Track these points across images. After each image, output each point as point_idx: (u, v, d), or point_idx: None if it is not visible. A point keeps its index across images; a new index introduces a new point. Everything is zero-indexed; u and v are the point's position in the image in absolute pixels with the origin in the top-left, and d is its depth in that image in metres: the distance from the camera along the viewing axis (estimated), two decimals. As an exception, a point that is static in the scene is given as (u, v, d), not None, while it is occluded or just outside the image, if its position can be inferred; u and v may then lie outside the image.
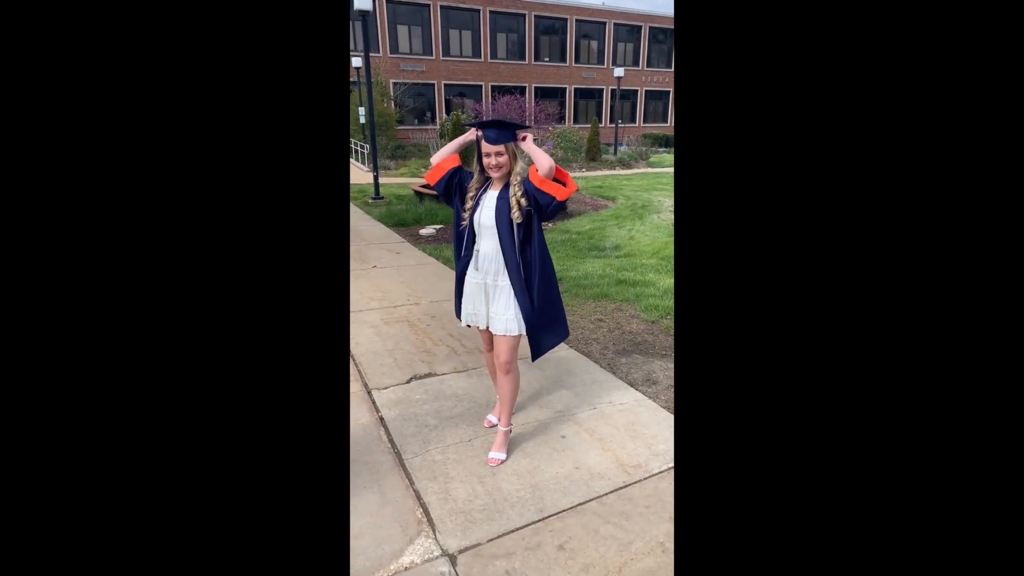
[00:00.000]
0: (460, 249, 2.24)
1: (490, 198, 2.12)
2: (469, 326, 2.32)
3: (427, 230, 6.97)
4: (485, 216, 2.11)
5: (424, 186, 9.27)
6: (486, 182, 2.16)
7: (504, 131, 2.03)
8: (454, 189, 2.20)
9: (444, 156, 2.21)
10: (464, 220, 2.17)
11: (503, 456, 2.25)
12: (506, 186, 2.10)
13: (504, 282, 2.15)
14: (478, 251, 2.17)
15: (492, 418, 2.52)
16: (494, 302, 2.19)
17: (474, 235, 2.18)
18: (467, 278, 2.24)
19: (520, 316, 2.15)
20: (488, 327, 2.24)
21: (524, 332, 2.18)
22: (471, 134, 2.14)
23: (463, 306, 2.29)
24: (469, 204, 2.16)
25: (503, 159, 2.04)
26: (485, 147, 2.04)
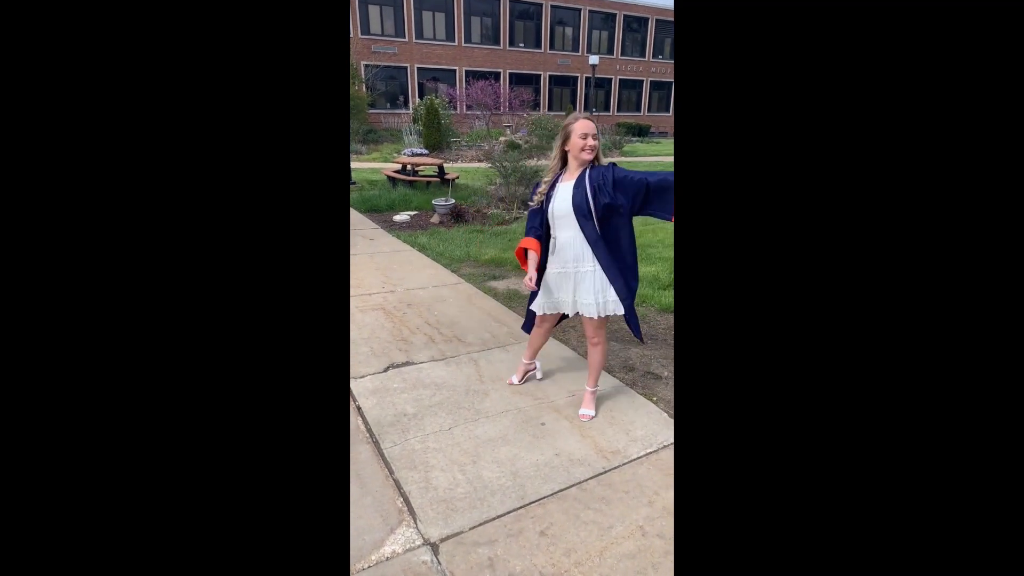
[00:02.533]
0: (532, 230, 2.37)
1: (565, 188, 2.21)
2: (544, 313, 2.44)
3: (401, 216, 6.87)
4: (559, 206, 2.21)
5: (397, 171, 9.12)
6: (560, 173, 2.27)
7: None
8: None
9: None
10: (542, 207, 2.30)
11: (592, 412, 2.46)
12: (581, 175, 2.19)
13: (587, 268, 2.24)
14: (555, 240, 2.28)
15: (514, 379, 2.74)
16: (580, 288, 2.27)
17: (548, 226, 2.29)
18: (547, 268, 2.35)
19: (611, 298, 2.24)
20: (577, 313, 2.33)
21: (618, 312, 2.25)
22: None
23: (540, 297, 2.39)
24: (543, 193, 2.27)
25: (597, 142, 2.19)
26: (581, 127, 2.15)
